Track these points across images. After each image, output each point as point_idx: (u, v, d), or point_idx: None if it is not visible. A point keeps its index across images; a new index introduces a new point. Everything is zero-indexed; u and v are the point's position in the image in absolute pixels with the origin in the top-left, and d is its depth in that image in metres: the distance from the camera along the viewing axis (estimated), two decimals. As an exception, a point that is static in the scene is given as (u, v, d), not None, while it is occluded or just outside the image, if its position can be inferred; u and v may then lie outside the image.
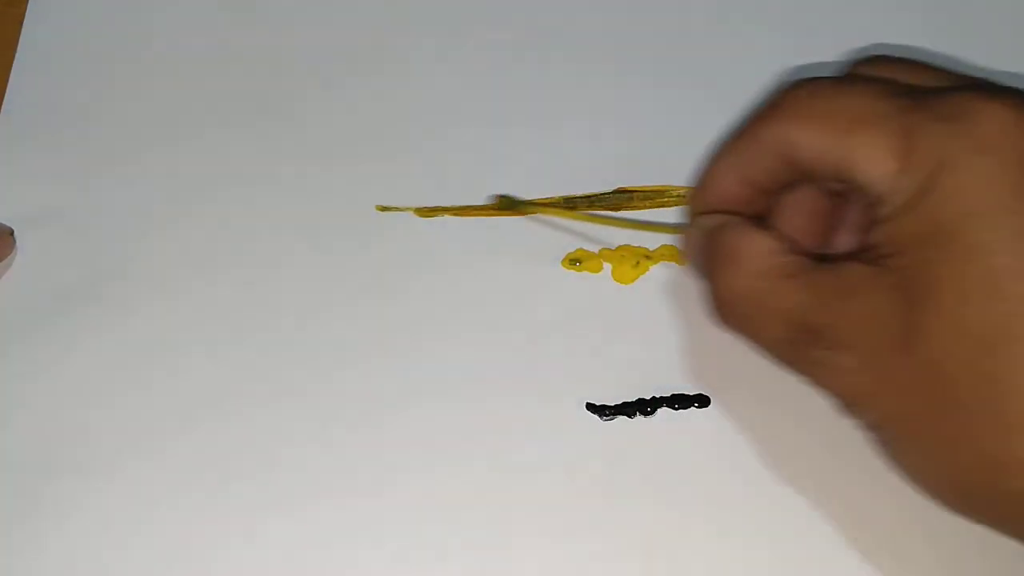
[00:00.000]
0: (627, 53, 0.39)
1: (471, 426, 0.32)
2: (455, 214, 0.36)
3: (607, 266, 0.35)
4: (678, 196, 0.36)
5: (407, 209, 0.36)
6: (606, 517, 0.31)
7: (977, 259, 0.25)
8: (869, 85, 0.28)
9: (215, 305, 0.35)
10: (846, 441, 0.30)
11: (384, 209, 0.36)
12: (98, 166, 0.37)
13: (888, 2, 0.40)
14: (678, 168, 0.35)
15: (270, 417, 0.33)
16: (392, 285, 0.35)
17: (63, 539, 0.31)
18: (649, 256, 0.35)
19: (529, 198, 0.36)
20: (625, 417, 0.33)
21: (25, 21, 0.40)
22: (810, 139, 0.28)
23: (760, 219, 0.30)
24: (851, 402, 0.28)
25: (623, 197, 0.36)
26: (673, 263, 0.35)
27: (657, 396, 0.33)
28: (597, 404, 0.33)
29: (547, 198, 0.36)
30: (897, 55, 0.30)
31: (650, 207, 0.36)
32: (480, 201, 0.36)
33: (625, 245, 0.35)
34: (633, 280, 0.35)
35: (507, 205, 0.36)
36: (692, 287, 0.33)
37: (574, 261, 0.35)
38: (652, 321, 0.34)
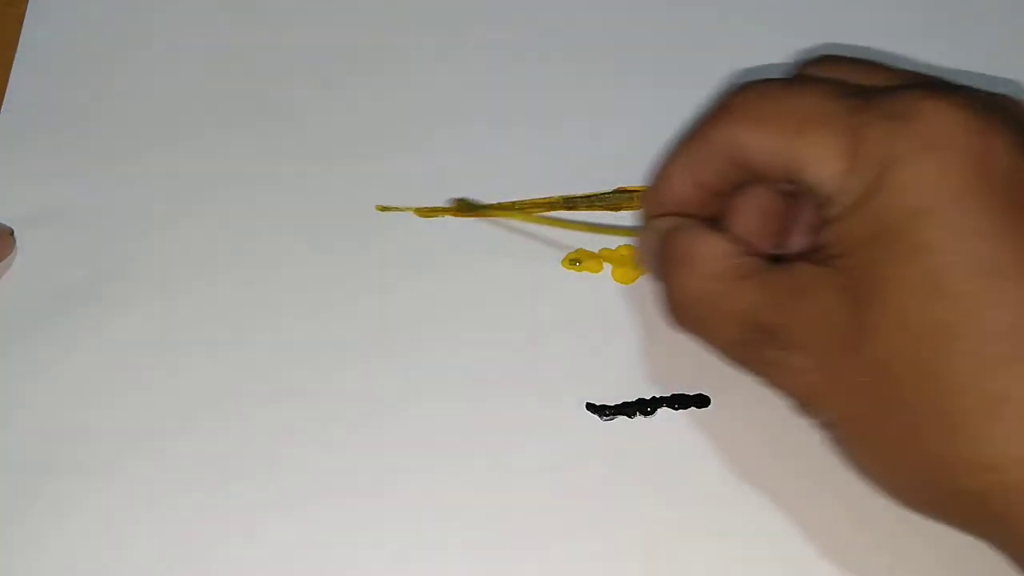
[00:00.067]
0: (627, 53, 0.39)
1: (471, 426, 0.32)
2: (455, 214, 0.36)
3: (607, 266, 0.35)
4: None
5: (407, 209, 0.36)
6: (606, 517, 0.31)
7: (921, 258, 0.25)
8: (817, 86, 0.28)
9: (215, 305, 0.35)
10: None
11: (384, 209, 0.36)
12: (98, 166, 0.37)
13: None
14: (678, 168, 0.35)
15: (270, 417, 0.33)
16: (392, 285, 0.35)
17: (63, 539, 0.31)
18: (649, 256, 0.35)
19: (528, 198, 0.36)
20: (625, 417, 0.33)
21: (25, 21, 0.40)
22: (759, 141, 0.28)
23: (714, 221, 0.31)
24: (805, 402, 0.28)
25: (623, 197, 0.36)
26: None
27: (657, 396, 0.33)
28: (597, 404, 0.33)
29: (545, 198, 0.36)
30: (846, 54, 0.30)
31: (650, 207, 0.36)
32: (480, 201, 0.36)
33: (625, 245, 0.35)
34: (633, 280, 0.35)
35: (465, 208, 0.36)
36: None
37: (574, 261, 0.35)
38: (652, 321, 0.34)
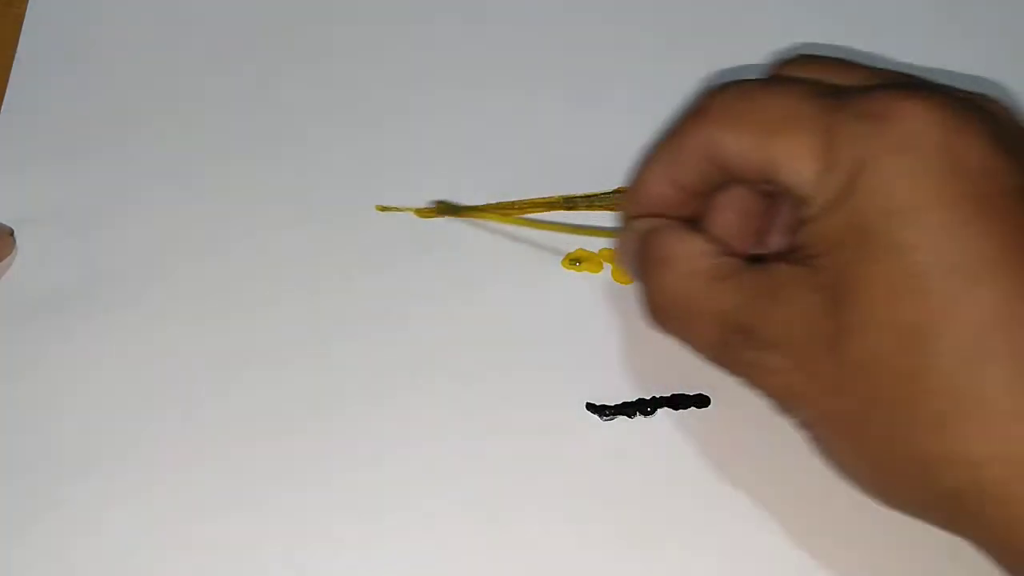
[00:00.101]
0: (627, 53, 0.39)
1: (471, 426, 0.32)
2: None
3: (607, 266, 0.35)
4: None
5: (407, 209, 0.36)
6: (606, 517, 0.31)
7: (897, 258, 0.25)
8: (793, 86, 0.28)
9: (215, 305, 0.35)
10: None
11: (384, 209, 0.36)
12: (98, 166, 0.37)
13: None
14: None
15: (270, 417, 0.33)
16: (392, 285, 0.35)
17: (63, 539, 0.31)
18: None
19: (528, 198, 0.36)
20: (625, 417, 0.33)
21: (25, 21, 0.40)
22: (735, 142, 0.28)
23: (694, 221, 0.31)
24: (784, 402, 0.28)
25: (623, 197, 0.36)
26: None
27: (657, 396, 0.33)
28: (597, 404, 0.33)
29: (545, 198, 0.36)
30: (823, 54, 0.30)
31: (650, 206, 0.36)
32: (480, 201, 0.36)
33: (625, 245, 0.35)
34: (633, 280, 0.35)
35: (445, 210, 0.36)
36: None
37: (574, 261, 0.35)
38: (652, 321, 0.34)
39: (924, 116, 0.26)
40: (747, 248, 0.30)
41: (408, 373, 0.33)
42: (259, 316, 0.34)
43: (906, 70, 0.30)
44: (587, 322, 0.34)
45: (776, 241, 0.30)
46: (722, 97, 0.29)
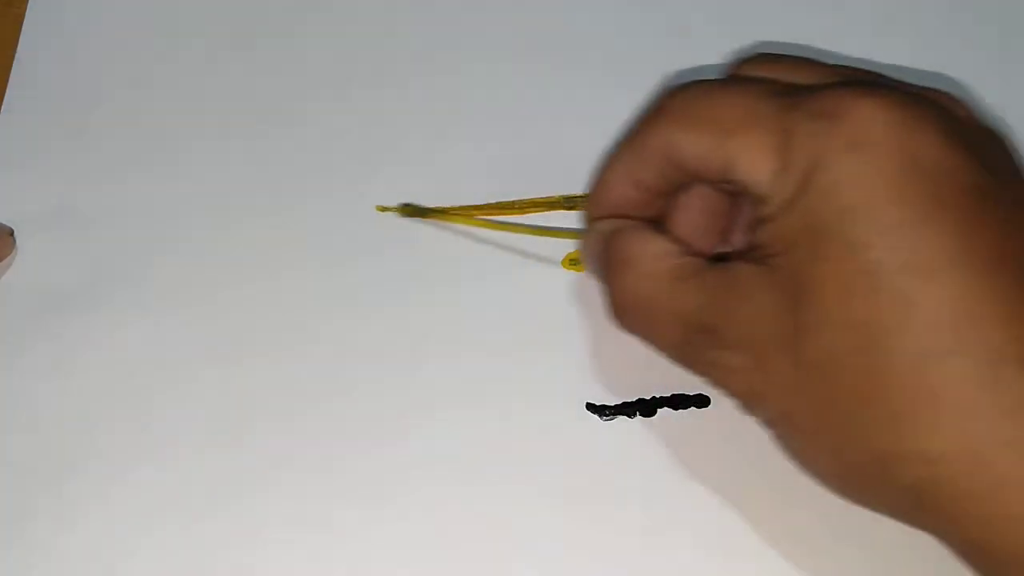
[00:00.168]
0: (627, 52, 0.39)
1: (471, 426, 0.32)
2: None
3: (607, 266, 0.35)
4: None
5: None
6: (606, 517, 0.31)
7: (851, 256, 0.25)
8: (750, 86, 0.28)
9: (215, 306, 0.35)
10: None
11: (384, 210, 0.36)
12: (98, 166, 0.37)
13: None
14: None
15: (270, 419, 0.33)
16: (391, 286, 0.35)
17: (62, 539, 0.31)
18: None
19: (528, 198, 0.36)
20: (625, 417, 0.33)
21: (25, 21, 0.40)
22: (693, 142, 0.28)
23: (657, 222, 0.31)
24: (746, 401, 0.28)
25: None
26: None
27: (657, 396, 0.33)
28: (597, 404, 0.33)
29: (545, 198, 0.36)
30: (782, 52, 0.30)
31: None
32: (480, 201, 0.36)
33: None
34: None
35: (412, 213, 0.36)
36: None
37: (574, 261, 0.35)
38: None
39: (877, 114, 0.26)
40: (712, 247, 0.30)
41: (408, 373, 0.33)
42: (259, 317, 0.34)
43: (865, 67, 0.30)
44: (587, 322, 0.34)
45: (740, 239, 0.30)
46: (680, 97, 0.29)
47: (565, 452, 0.32)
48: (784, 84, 0.28)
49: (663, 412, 0.33)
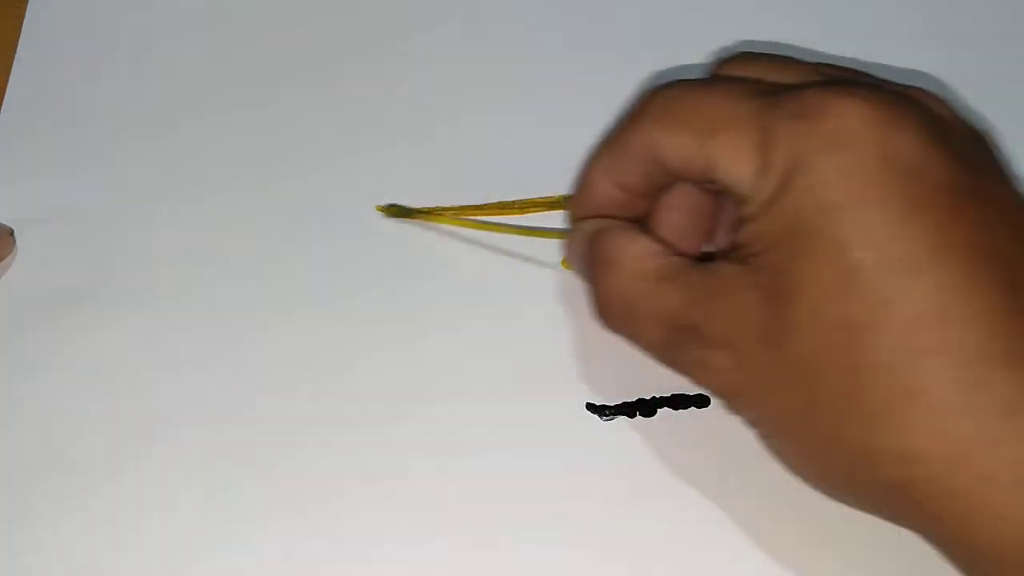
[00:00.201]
0: (627, 52, 0.39)
1: (471, 426, 0.32)
2: (455, 214, 0.36)
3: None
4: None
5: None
6: (606, 517, 0.31)
7: (832, 255, 0.25)
8: (731, 85, 0.28)
9: (214, 305, 0.35)
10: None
11: (383, 209, 0.36)
12: (98, 166, 0.37)
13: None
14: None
15: (269, 417, 0.33)
16: (391, 285, 0.35)
17: (61, 539, 0.31)
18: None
19: (528, 198, 0.36)
20: (625, 417, 0.33)
21: (25, 21, 0.40)
22: (674, 143, 0.28)
23: (641, 222, 0.31)
24: (729, 401, 0.28)
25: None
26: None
27: (657, 396, 0.33)
28: (597, 404, 0.33)
29: (545, 198, 0.36)
30: (764, 51, 0.30)
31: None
32: (480, 201, 0.36)
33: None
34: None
35: (396, 213, 0.36)
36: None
37: (574, 261, 0.35)
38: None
39: (857, 113, 0.26)
40: (697, 246, 0.30)
41: (408, 374, 0.33)
42: (259, 316, 0.35)
43: (847, 65, 0.30)
44: (587, 322, 0.34)
45: (723, 239, 0.30)
46: (662, 97, 0.29)
47: (565, 452, 0.32)
48: (766, 83, 0.28)
49: (663, 412, 0.33)
